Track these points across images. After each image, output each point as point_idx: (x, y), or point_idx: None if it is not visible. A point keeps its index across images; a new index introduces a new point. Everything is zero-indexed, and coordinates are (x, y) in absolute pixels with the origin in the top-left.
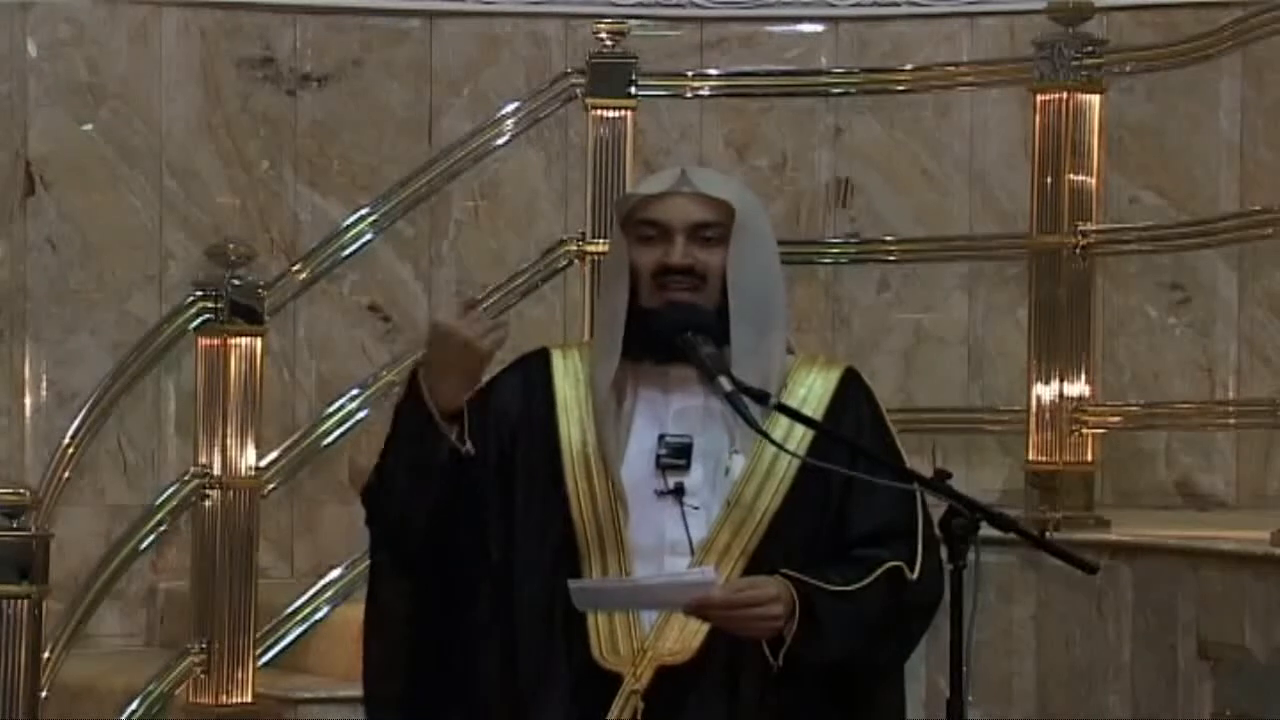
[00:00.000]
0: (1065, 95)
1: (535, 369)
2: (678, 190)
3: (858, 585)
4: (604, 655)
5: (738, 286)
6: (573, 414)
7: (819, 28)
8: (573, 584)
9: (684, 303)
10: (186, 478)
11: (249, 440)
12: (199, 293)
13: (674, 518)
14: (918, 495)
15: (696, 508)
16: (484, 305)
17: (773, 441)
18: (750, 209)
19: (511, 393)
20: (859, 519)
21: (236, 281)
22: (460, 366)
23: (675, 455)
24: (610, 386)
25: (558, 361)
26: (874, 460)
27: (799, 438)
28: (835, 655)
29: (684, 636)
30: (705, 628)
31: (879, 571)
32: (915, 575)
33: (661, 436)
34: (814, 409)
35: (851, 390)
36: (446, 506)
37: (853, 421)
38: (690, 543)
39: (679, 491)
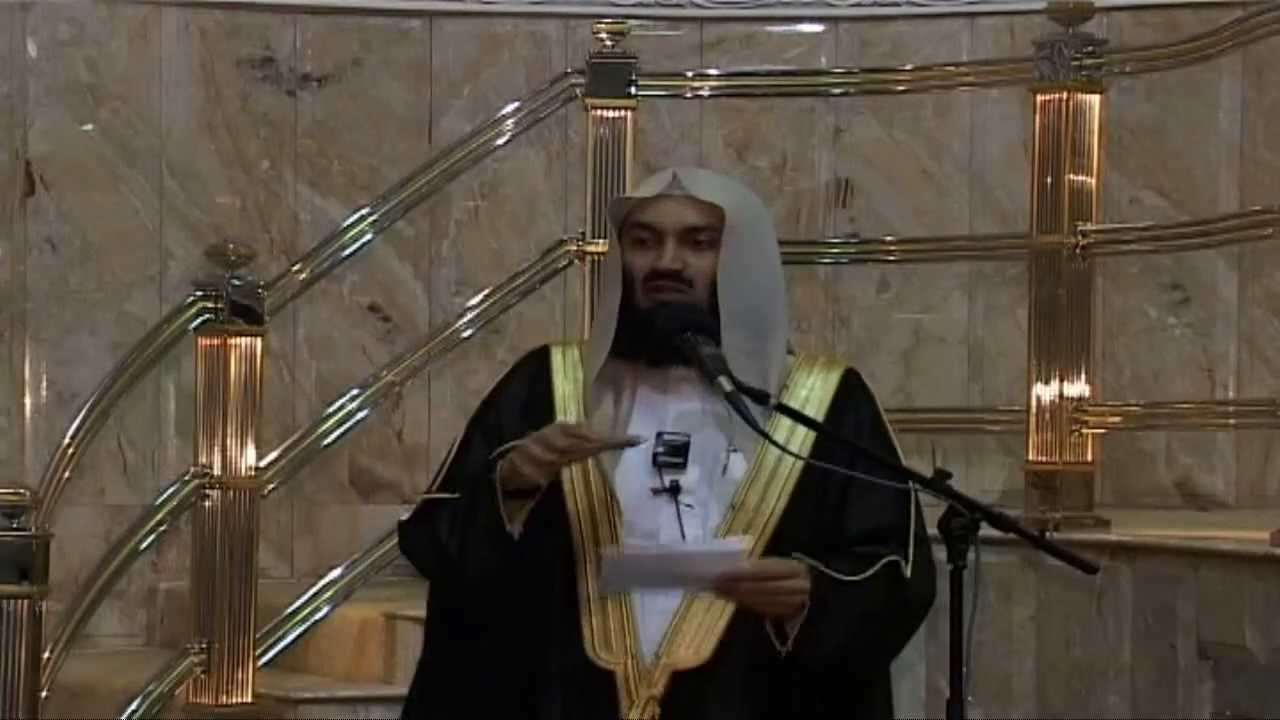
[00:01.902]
0: (1065, 95)
1: (536, 367)
2: (669, 194)
3: (861, 576)
4: (597, 652)
5: (728, 290)
6: (571, 411)
7: (819, 28)
8: (608, 551)
9: (678, 302)
10: (186, 478)
11: (249, 440)
12: (199, 293)
13: (669, 516)
14: (912, 497)
15: (691, 506)
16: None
17: (773, 442)
18: (743, 212)
19: (515, 398)
20: (856, 519)
21: (236, 281)
22: (543, 469)
23: (672, 453)
24: (602, 388)
25: (557, 359)
26: (874, 461)
27: (800, 439)
28: (836, 644)
29: (697, 642)
30: (719, 632)
31: (879, 565)
32: (908, 574)
33: (659, 434)
34: (815, 410)
35: (852, 391)
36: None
37: (853, 422)
38: (684, 541)
39: (674, 489)
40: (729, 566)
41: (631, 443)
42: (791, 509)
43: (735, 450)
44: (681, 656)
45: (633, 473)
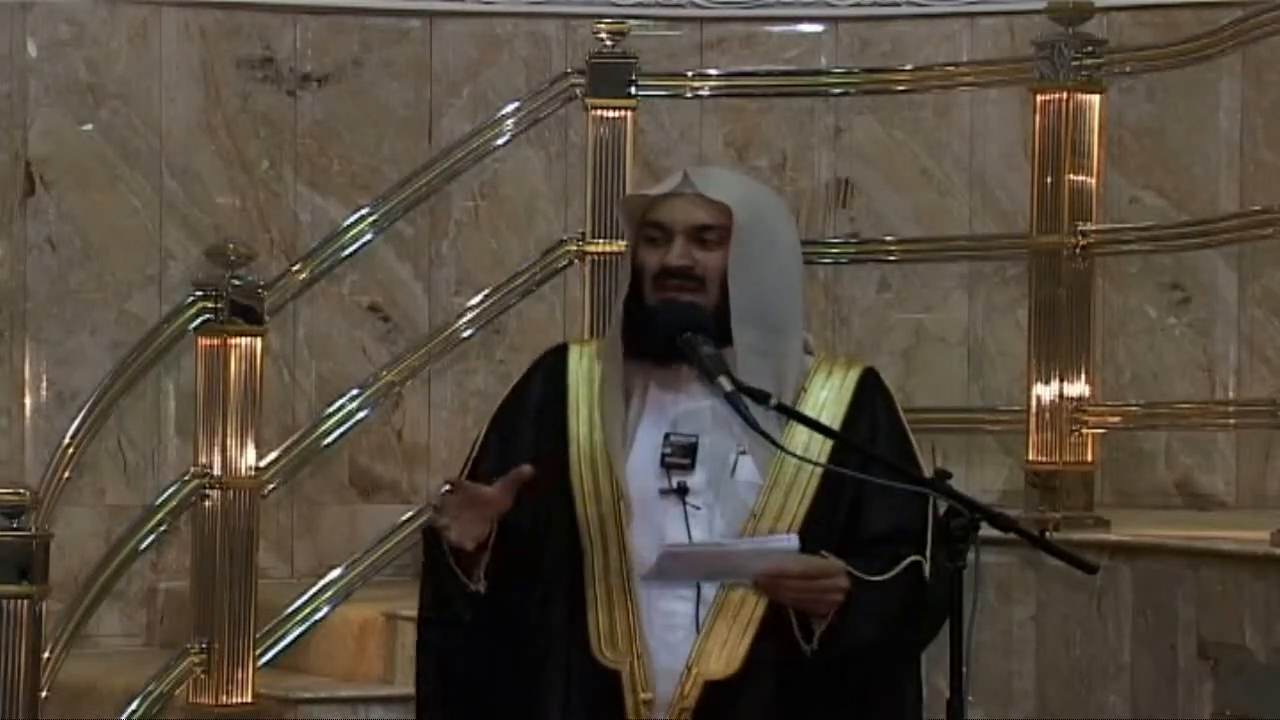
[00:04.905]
0: (1065, 95)
1: (552, 368)
2: (679, 192)
3: (885, 576)
4: (602, 651)
5: (738, 288)
6: (582, 410)
7: (819, 28)
8: (668, 548)
9: (681, 301)
10: (186, 478)
11: (249, 440)
12: (199, 293)
13: (676, 518)
14: (930, 501)
15: (699, 508)
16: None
17: (773, 441)
18: (753, 211)
19: (531, 399)
20: (873, 520)
21: (236, 281)
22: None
23: (680, 454)
24: (620, 386)
25: (574, 358)
26: (886, 464)
27: (821, 442)
28: (857, 641)
29: (728, 652)
30: (747, 641)
31: (903, 565)
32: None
33: (667, 435)
34: (834, 412)
35: (869, 392)
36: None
37: (868, 424)
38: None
39: (682, 491)
40: (778, 562)
41: (521, 475)
42: (813, 514)
43: (744, 453)
44: (713, 668)
45: (640, 473)
